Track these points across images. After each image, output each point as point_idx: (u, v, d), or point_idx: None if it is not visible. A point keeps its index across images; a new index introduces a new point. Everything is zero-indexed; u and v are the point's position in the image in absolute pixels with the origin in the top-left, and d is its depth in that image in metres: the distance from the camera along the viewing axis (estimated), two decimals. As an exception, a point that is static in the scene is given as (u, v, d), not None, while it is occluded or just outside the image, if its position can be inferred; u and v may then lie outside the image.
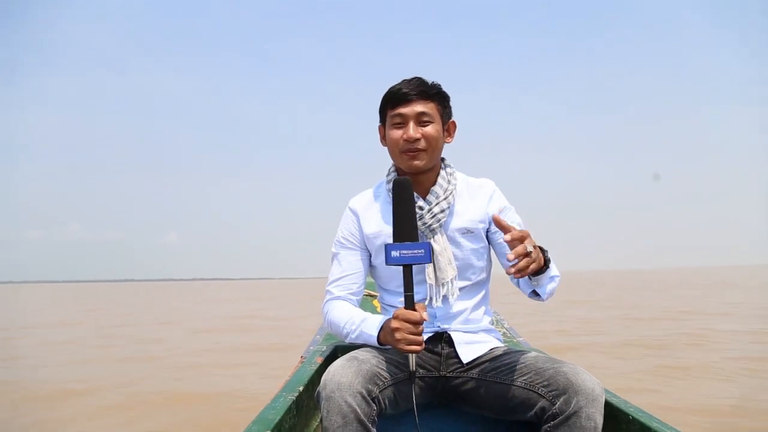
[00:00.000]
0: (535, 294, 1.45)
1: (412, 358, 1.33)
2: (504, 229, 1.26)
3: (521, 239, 1.23)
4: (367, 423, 1.23)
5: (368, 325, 1.46)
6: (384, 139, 1.58)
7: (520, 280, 1.46)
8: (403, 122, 1.50)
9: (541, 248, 1.33)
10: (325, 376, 1.27)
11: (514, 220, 1.60)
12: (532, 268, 1.22)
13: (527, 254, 1.22)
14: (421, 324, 1.31)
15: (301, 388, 1.49)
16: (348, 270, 1.60)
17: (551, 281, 1.43)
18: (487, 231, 1.59)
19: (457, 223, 1.55)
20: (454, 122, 1.59)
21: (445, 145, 1.59)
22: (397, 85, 1.52)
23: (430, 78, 1.54)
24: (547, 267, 1.35)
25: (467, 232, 1.55)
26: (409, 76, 1.54)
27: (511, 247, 1.23)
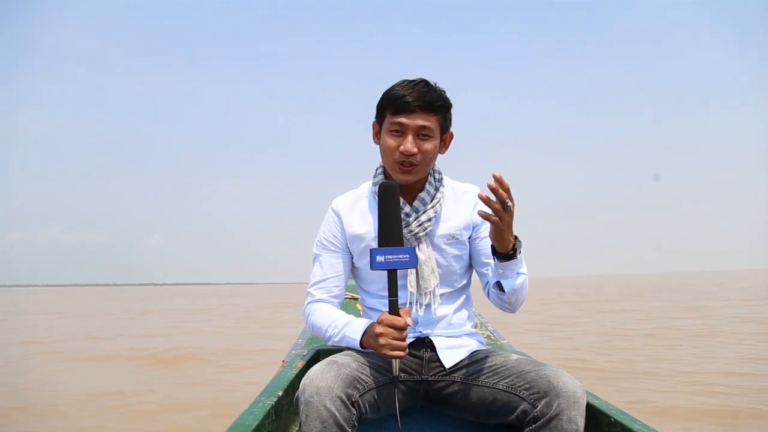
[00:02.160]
0: (499, 289, 1.45)
1: (396, 364, 1.32)
2: (487, 217, 1.28)
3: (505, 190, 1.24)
4: (347, 428, 1.21)
5: (351, 328, 1.44)
6: (377, 136, 1.54)
7: (491, 270, 1.48)
8: (401, 132, 1.45)
9: (515, 237, 1.35)
10: (304, 381, 1.25)
11: None
12: (505, 220, 1.26)
13: (503, 204, 1.24)
14: (406, 329, 1.31)
15: (280, 393, 1.46)
16: (329, 272, 1.58)
17: (518, 277, 1.41)
18: (470, 237, 1.58)
19: (442, 230, 1.53)
20: (451, 134, 1.55)
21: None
22: (401, 89, 1.45)
23: (408, 75, 1.48)
24: (515, 255, 1.36)
25: (451, 239, 1.53)
26: (411, 77, 1.47)
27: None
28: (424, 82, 1.46)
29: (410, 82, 1.46)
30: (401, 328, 1.29)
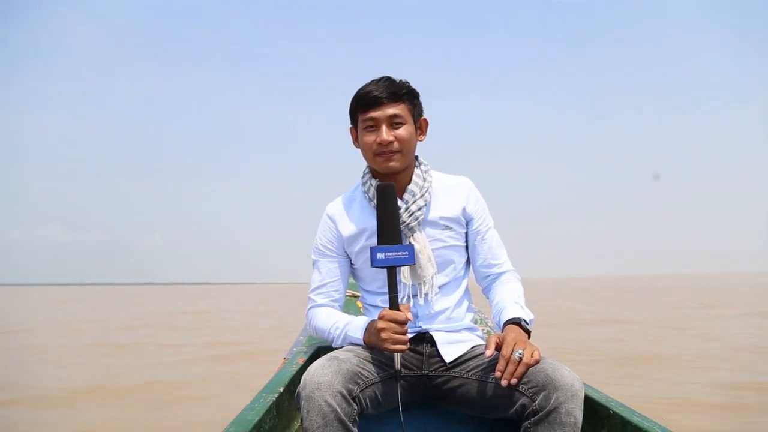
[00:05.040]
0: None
1: (398, 358, 1.36)
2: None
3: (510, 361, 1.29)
4: (348, 423, 1.23)
5: (352, 327, 1.48)
6: (357, 141, 1.58)
7: (496, 312, 1.54)
8: (375, 126, 1.49)
9: (519, 324, 1.41)
10: (305, 376, 1.26)
11: (488, 222, 1.63)
12: (520, 371, 1.28)
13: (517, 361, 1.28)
14: (406, 324, 1.35)
15: (281, 389, 1.48)
16: (328, 278, 1.62)
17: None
18: (466, 230, 1.61)
19: (434, 219, 1.56)
20: (425, 119, 1.59)
21: (425, 144, 1.59)
22: (366, 87, 1.50)
23: (409, 77, 1.53)
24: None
25: (445, 229, 1.56)
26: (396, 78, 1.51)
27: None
28: (386, 77, 1.51)
29: (373, 80, 1.52)
30: (402, 323, 1.34)
